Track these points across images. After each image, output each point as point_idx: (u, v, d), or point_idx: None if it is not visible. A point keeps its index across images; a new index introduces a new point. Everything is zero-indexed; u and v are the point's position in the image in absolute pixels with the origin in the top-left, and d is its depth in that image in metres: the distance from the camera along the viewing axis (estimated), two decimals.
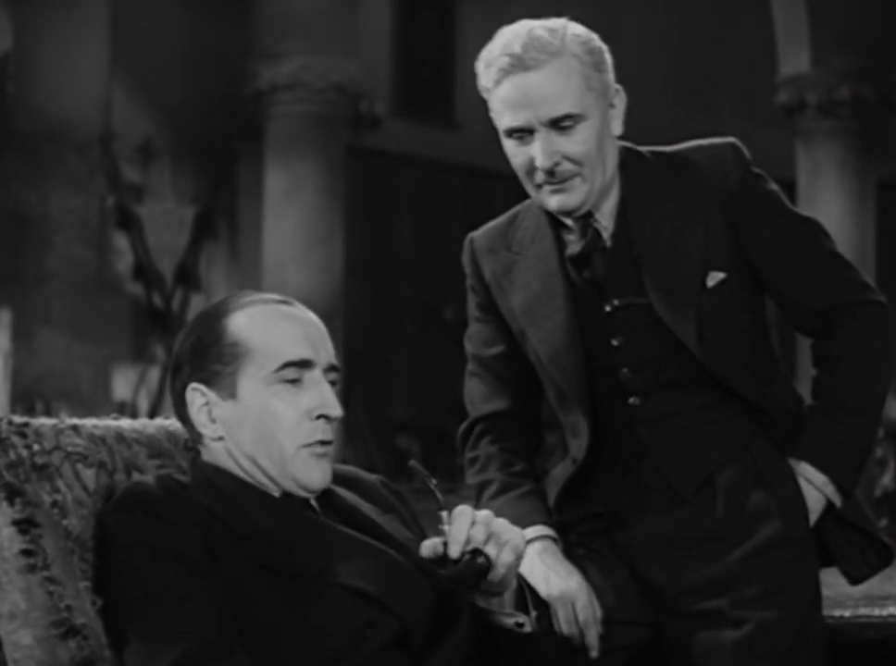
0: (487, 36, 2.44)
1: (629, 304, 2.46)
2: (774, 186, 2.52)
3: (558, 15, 2.47)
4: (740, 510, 2.45)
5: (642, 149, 2.53)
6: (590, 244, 2.46)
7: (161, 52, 11.18)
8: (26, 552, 1.95)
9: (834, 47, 10.60)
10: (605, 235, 2.47)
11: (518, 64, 2.37)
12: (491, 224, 2.62)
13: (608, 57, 2.45)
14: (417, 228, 12.89)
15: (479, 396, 2.60)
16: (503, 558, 2.04)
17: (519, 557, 2.07)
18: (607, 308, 2.46)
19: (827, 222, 2.65)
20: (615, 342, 2.47)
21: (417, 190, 12.96)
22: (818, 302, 2.49)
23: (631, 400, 2.47)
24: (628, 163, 2.49)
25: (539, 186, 2.43)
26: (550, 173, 2.40)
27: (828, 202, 10.32)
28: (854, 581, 2.53)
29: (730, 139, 2.52)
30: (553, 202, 2.43)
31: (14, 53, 10.09)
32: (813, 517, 2.46)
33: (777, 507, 2.44)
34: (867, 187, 10.63)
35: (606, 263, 2.47)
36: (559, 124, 2.38)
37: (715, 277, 2.44)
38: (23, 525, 1.96)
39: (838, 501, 2.46)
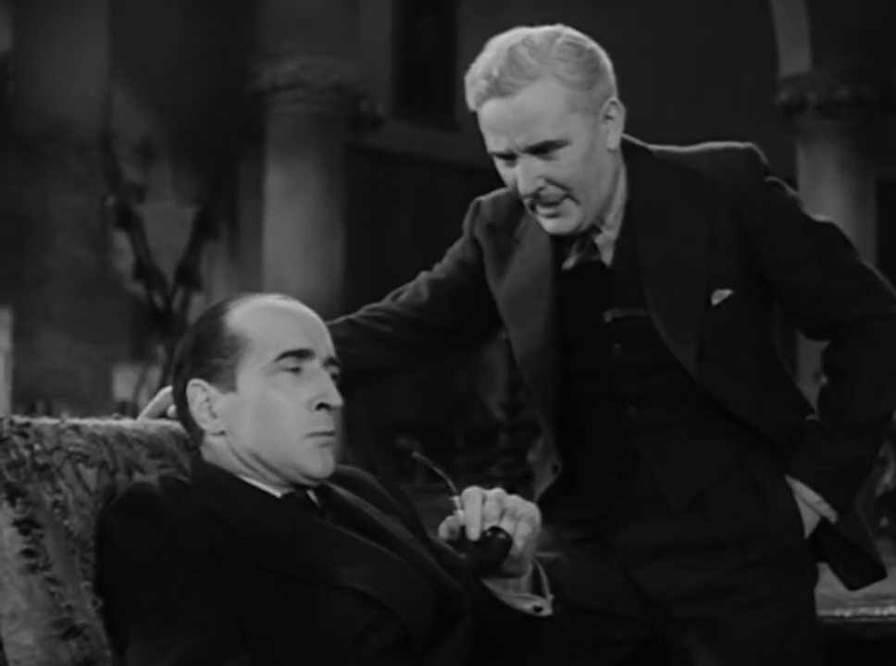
0: (487, 37, 2.36)
1: (630, 316, 2.39)
2: (791, 193, 2.42)
3: (556, 16, 2.42)
4: (732, 522, 2.42)
5: (652, 148, 2.42)
6: (583, 258, 2.40)
7: (161, 52, 11.17)
8: (27, 553, 1.95)
9: (834, 47, 10.61)
10: (608, 244, 2.40)
11: (494, 89, 2.27)
12: (502, 194, 2.51)
13: (604, 64, 2.32)
14: (417, 228, 12.88)
15: (412, 291, 2.69)
16: (520, 531, 2.03)
17: (535, 529, 2.06)
18: (607, 318, 2.41)
19: None
20: (614, 350, 2.42)
21: (417, 190, 12.96)
22: (833, 314, 2.41)
23: (629, 408, 2.43)
24: (637, 164, 2.39)
25: (532, 207, 2.36)
26: (535, 197, 2.32)
27: (828, 201, 10.30)
28: (848, 586, 2.51)
29: (748, 144, 2.41)
30: (549, 226, 2.35)
31: (14, 53, 10.09)
32: (806, 532, 2.43)
33: (771, 520, 2.42)
34: (867, 187, 10.63)
35: (610, 273, 2.40)
36: (539, 150, 2.28)
37: (720, 295, 2.36)
38: (24, 526, 1.96)
39: (832, 518, 2.43)
